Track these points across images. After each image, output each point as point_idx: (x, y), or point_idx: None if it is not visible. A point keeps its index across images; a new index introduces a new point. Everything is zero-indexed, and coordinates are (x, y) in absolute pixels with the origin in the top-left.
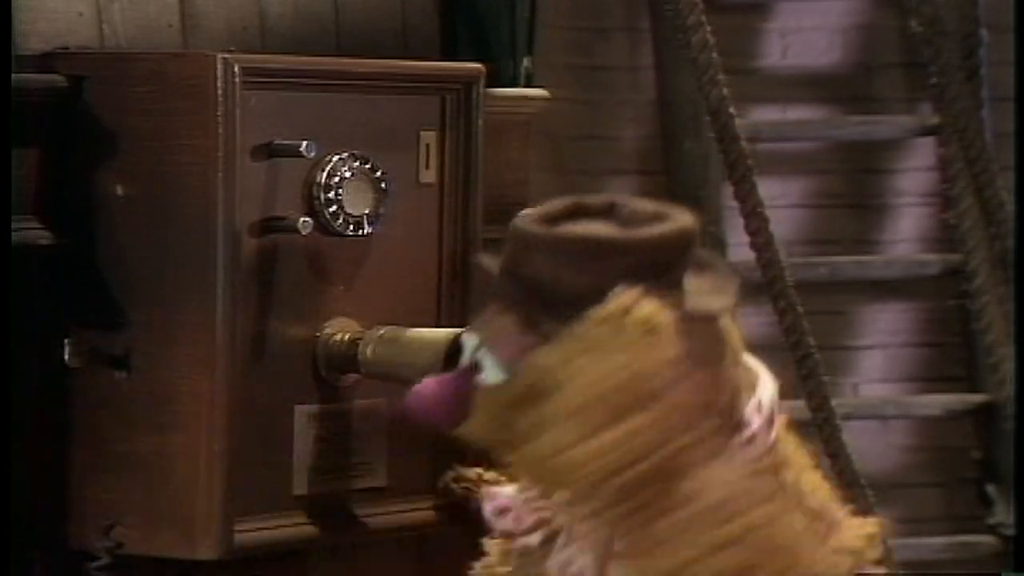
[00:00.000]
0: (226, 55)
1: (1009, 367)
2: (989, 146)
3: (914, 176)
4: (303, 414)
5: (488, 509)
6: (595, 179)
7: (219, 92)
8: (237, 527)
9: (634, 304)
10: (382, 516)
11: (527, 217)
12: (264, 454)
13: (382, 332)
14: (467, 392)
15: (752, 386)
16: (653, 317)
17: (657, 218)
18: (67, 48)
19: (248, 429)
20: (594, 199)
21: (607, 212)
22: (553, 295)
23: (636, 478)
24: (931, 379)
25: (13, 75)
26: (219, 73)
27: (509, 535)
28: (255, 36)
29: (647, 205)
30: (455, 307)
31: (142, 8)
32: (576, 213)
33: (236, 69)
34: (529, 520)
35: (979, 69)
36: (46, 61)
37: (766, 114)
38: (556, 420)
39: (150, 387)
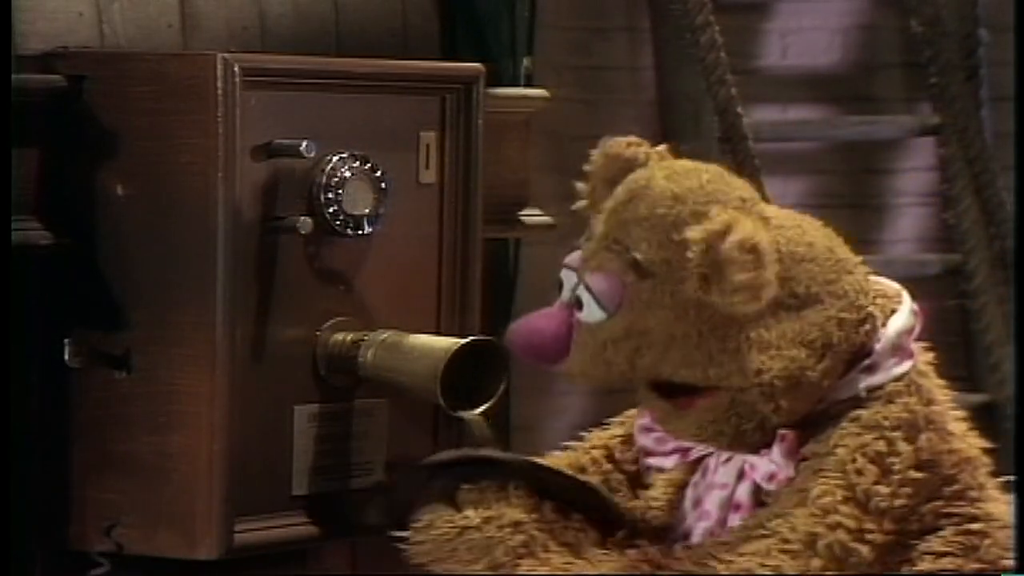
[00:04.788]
0: (226, 55)
1: (1009, 367)
2: (989, 146)
3: (914, 176)
4: (303, 414)
5: (636, 425)
6: None
7: (219, 92)
8: (237, 527)
9: (733, 224)
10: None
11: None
12: (264, 454)
13: (384, 336)
14: (571, 329)
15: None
16: (753, 236)
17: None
18: (67, 48)
19: (248, 429)
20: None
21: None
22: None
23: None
24: None
25: (13, 75)
26: (219, 73)
27: (649, 452)
28: (255, 36)
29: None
30: (455, 307)
31: (142, 8)
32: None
33: (236, 69)
34: (669, 442)
35: (979, 69)
36: (46, 61)
37: (766, 114)
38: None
39: (150, 387)
